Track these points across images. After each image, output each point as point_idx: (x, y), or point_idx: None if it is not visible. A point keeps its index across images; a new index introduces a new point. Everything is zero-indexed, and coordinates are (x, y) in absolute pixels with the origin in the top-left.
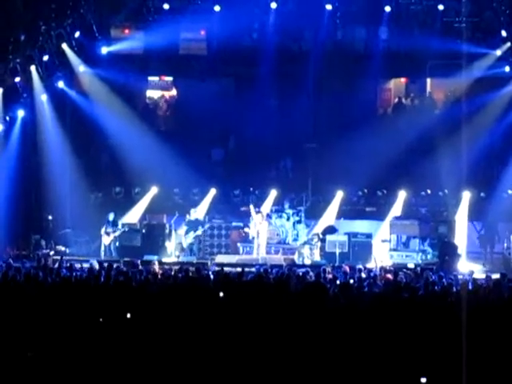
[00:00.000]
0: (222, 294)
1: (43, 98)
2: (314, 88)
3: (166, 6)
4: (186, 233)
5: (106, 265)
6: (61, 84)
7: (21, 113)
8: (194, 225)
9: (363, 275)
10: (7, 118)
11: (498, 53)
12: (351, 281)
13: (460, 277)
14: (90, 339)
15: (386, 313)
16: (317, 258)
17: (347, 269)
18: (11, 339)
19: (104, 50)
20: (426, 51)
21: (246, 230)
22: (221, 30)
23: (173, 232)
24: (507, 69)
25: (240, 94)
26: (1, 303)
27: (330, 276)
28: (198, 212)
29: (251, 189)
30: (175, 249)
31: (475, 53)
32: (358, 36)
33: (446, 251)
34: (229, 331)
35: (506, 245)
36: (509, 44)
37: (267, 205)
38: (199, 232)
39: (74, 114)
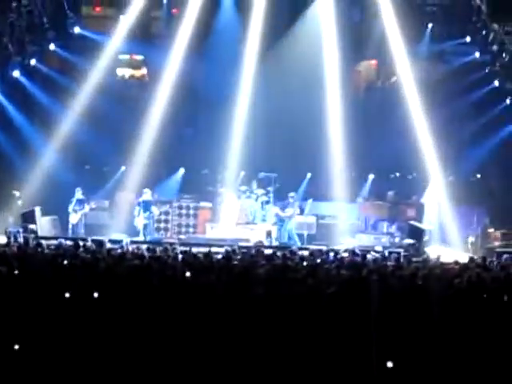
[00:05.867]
0: (188, 274)
1: (15, 74)
2: None
3: None
4: (138, 214)
5: (73, 243)
6: (33, 61)
7: None
8: (145, 206)
9: (331, 257)
10: None
11: (468, 39)
12: (318, 261)
13: (428, 260)
14: (56, 317)
15: (353, 295)
16: (285, 239)
17: (315, 250)
18: None
19: (76, 30)
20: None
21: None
22: None
23: (141, 211)
24: (477, 55)
25: None
26: None
27: (297, 257)
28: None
29: (220, 169)
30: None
31: (446, 37)
32: None
33: (414, 234)
34: (195, 313)
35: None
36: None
37: (236, 185)
38: (156, 212)
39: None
